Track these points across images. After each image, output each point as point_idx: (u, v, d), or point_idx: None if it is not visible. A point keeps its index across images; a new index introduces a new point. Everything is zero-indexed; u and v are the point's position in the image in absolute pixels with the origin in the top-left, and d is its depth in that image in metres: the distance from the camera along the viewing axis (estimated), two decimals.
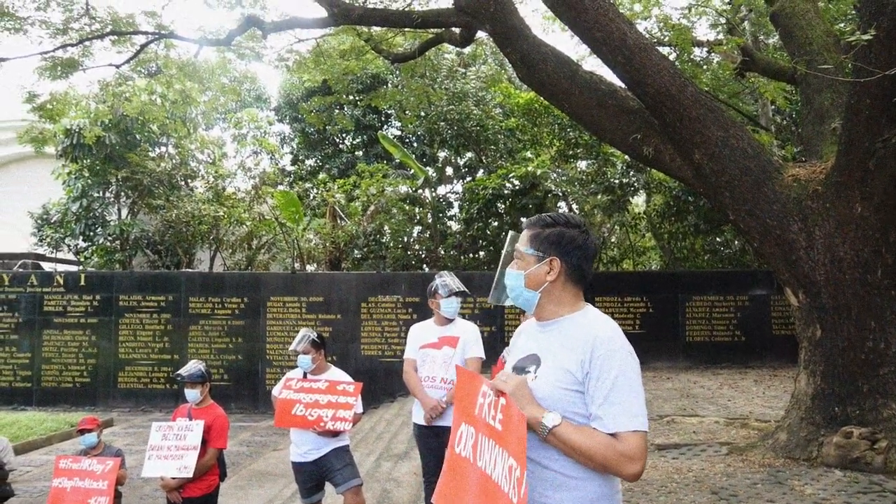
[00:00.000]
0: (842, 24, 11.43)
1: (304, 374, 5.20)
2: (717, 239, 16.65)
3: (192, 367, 5.23)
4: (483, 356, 4.96)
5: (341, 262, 17.26)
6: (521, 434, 1.97)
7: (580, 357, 2.11)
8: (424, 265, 16.90)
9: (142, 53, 11.55)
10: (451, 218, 19.18)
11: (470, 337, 4.97)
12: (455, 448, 2.26)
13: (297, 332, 5.36)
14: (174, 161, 17.67)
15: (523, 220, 2.46)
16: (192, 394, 5.18)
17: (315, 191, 20.08)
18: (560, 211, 16.58)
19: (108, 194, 17.07)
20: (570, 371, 2.11)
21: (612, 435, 2.02)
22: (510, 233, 2.40)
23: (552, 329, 2.26)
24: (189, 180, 18.32)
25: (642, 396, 2.08)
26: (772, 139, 13.03)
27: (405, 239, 17.49)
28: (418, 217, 17.73)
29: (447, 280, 5.03)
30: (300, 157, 24.10)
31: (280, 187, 19.47)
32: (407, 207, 17.22)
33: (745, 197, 6.49)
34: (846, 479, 5.54)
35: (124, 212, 17.26)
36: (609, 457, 2.00)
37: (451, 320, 5.04)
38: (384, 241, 17.24)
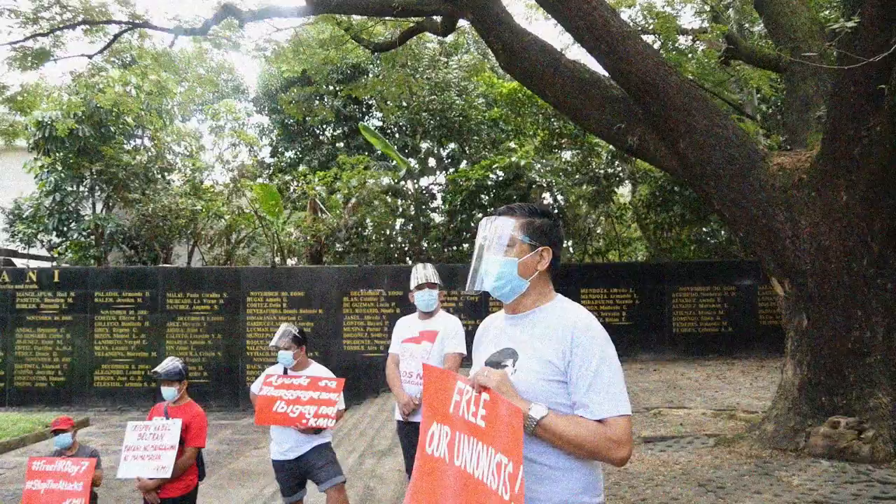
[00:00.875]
0: (826, 12, 11.50)
1: (285, 371, 5.18)
2: (704, 229, 16.74)
3: (169, 364, 5.18)
4: (463, 351, 4.91)
5: (322, 255, 17.19)
6: (516, 428, 1.95)
7: (560, 346, 2.13)
8: (407, 258, 16.87)
9: (115, 43, 11.42)
10: (434, 210, 19.14)
11: (448, 331, 4.94)
12: (426, 448, 2.24)
13: (278, 327, 5.33)
14: (150, 154, 17.50)
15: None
16: (168, 392, 5.13)
17: (295, 183, 19.95)
18: (545, 202, 16.62)
19: (81, 188, 16.88)
20: (552, 361, 2.13)
21: (599, 421, 2.06)
22: (487, 219, 2.35)
23: (524, 321, 2.28)
24: (166, 173, 18.14)
25: (623, 381, 2.13)
26: (757, 128, 13.10)
27: (387, 232, 17.44)
28: (401, 209, 17.68)
29: (420, 271, 5.02)
30: (279, 149, 23.96)
31: (259, 180, 19.35)
32: (389, 200, 17.18)
33: (730, 186, 6.52)
34: (833, 469, 5.59)
35: (99, 206, 17.09)
36: (599, 444, 2.03)
37: (431, 314, 5.03)
38: (366, 234, 17.18)
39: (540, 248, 2.28)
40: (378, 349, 13.32)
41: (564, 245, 19.55)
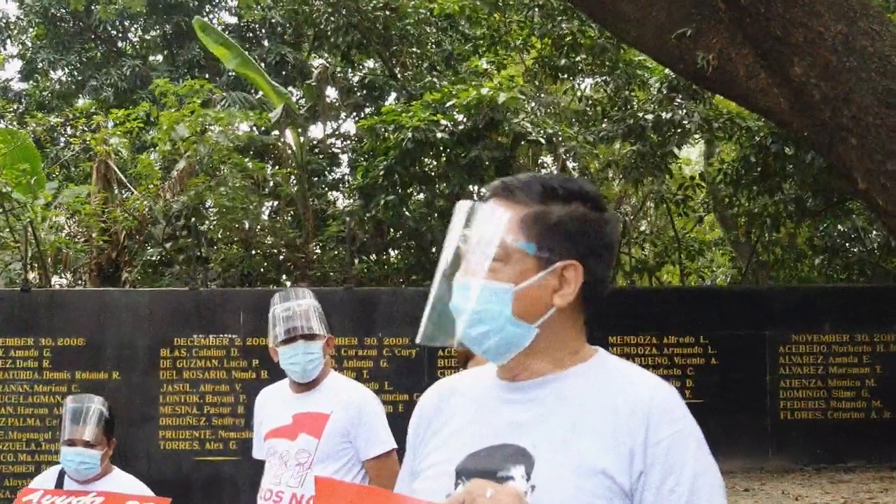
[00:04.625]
0: None
1: (60, 481, 5.11)
2: (839, 227, 16.94)
3: None
4: (392, 446, 4.87)
5: (121, 269, 17.07)
6: None
7: (625, 444, 2.04)
8: (284, 276, 16.83)
9: None
10: (335, 185, 19.14)
11: (359, 416, 4.88)
12: None
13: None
14: None
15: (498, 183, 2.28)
16: None
17: (70, 131, 19.80)
18: (545, 171, 16.71)
19: None
20: (606, 472, 2.03)
21: None
22: (463, 206, 2.19)
23: (538, 396, 2.18)
24: None
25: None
26: None
27: (247, 225, 17.39)
28: (272, 184, 17.66)
29: (281, 307, 4.89)
30: (40, 66, 23.78)
31: None
32: (250, 165, 17.10)
33: (885, 147, 6.63)
34: None
35: None
36: None
37: (314, 383, 4.98)
38: (206, 228, 17.10)
39: (560, 265, 2.15)
40: (227, 447, 13.21)
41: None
